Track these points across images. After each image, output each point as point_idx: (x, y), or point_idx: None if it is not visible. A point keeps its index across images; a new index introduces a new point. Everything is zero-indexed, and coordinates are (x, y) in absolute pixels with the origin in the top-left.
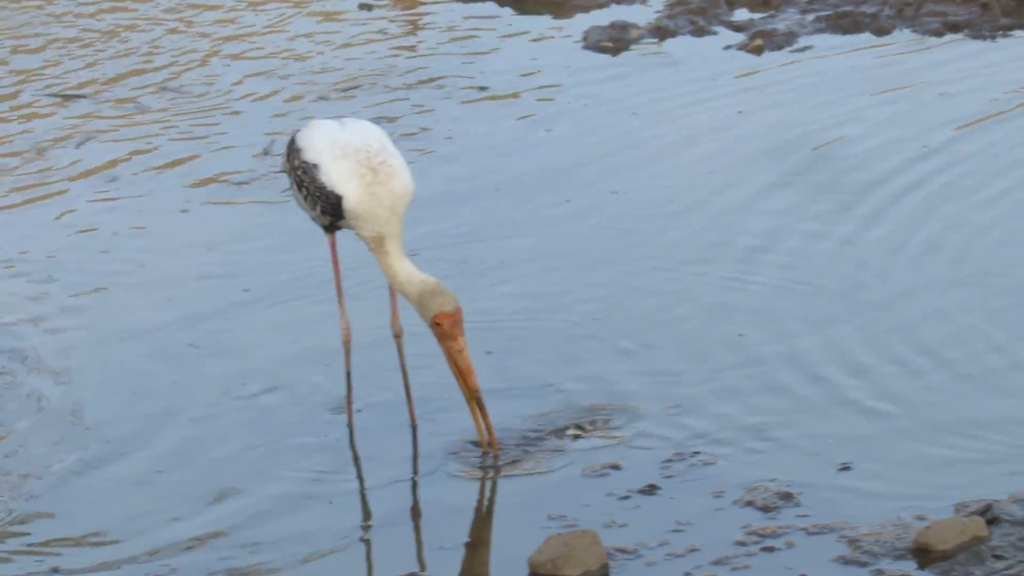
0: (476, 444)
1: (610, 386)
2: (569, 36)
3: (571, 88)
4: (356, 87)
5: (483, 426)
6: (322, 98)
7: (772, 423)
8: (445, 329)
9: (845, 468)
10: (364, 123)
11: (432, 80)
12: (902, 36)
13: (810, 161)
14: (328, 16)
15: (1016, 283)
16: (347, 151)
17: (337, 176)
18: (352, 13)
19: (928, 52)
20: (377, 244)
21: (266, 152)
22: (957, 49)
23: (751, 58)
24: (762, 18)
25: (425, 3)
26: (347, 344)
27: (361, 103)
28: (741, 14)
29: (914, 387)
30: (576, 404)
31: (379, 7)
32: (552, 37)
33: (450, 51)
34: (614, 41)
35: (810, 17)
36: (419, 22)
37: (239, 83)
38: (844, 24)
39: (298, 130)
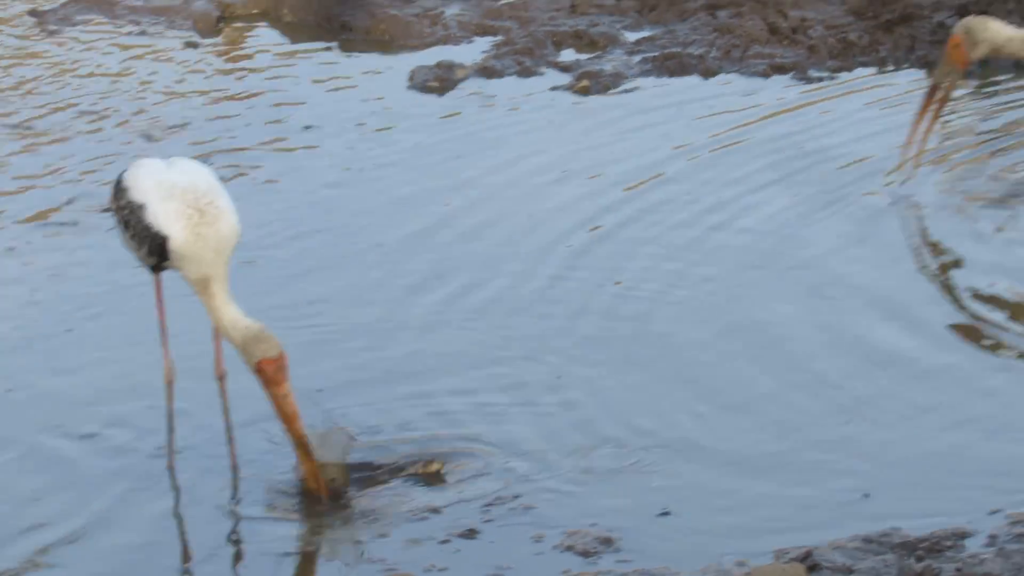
0: (302, 488)
1: (432, 427)
2: (396, 75)
3: (397, 127)
4: (183, 126)
5: (310, 472)
6: (149, 137)
7: (593, 467)
8: (269, 375)
9: (665, 513)
10: (191, 163)
11: (259, 118)
12: (729, 78)
13: (625, 199)
14: (155, 55)
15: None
16: (174, 191)
17: (163, 217)
18: (178, 52)
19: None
20: (203, 286)
21: (70, 201)
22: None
23: (577, 98)
24: (588, 59)
25: (252, 42)
26: (170, 384)
27: (188, 142)
28: (568, 55)
29: (730, 433)
30: (399, 445)
31: (205, 45)
32: (379, 76)
33: (277, 90)
34: (440, 81)
35: (636, 58)
36: (246, 60)
37: (63, 121)
38: (671, 66)
39: (125, 170)
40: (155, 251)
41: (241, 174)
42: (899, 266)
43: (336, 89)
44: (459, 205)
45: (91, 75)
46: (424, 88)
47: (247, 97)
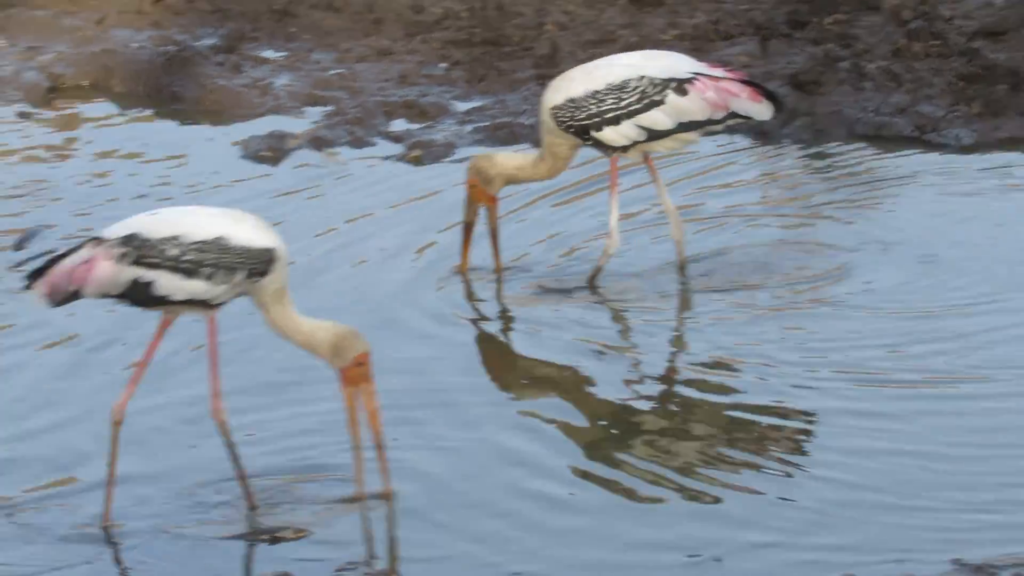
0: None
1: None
2: (228, 145)
3: (230, 197)
4: (15, 196)
5: (383, 469)
6: None
7: (444, 528)
8: (366, 369)
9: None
10: None
11: (90, 188)
12: None
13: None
14: None
15: None
16: None
17: None
18: (9, 122)
19: None
20: None
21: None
22: None
23: (410, 168)
24: (420, 128)
25: (83, 112)
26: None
27: (19, 211)
28: (399, 124)
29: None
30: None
31: (36, 116)
32: (211, 146)
33: (110, 160)
34: (272, 150)
35: (468, 128)
36: (77, 131)
37: None
38: (502, 135)
39: None
40: None
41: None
42: None
43: (168, 159)
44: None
45: None
46: (256, 157)
47: (80, 167)
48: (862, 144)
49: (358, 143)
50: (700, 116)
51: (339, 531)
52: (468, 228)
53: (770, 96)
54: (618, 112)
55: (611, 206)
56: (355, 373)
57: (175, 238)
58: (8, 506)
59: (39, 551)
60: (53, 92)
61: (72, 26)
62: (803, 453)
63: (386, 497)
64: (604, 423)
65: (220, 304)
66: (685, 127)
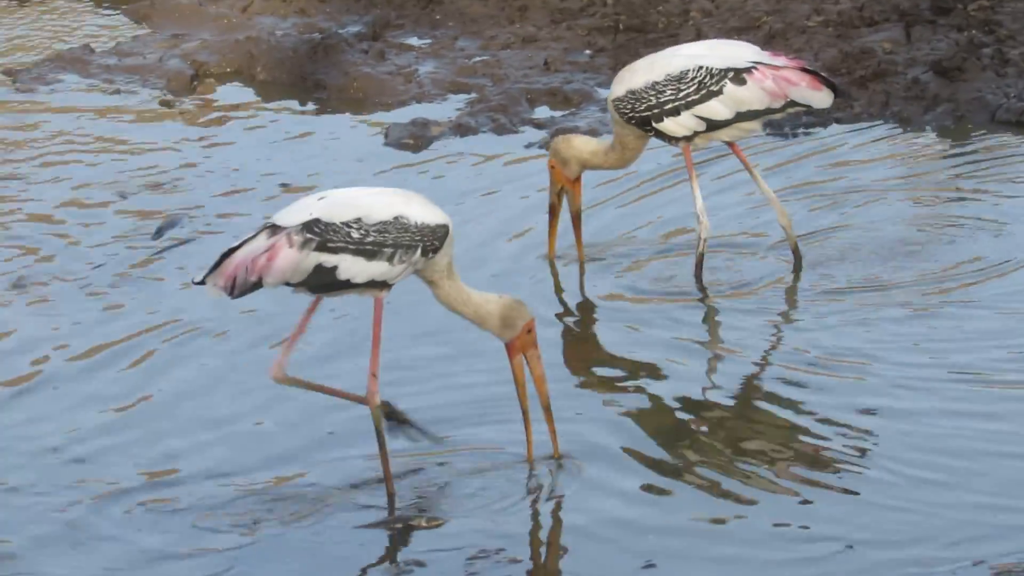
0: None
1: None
2: (371, 133)
3: (372, 184)
4: (159, 184)
5: (551, 431)
6: (123, 195)
7: (575, 517)
8: (534, 336)
9: (650, 566)
10: None
11: (235, 175)
12: None
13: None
14: (129, 113)
15: None
16: None
17: None
18: (153, 109)
19: None
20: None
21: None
22: None
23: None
24: (563, 116)
25: (226, 100)
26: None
27: (163, 199)
28: (542, 112)
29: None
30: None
31: (180, 103)
32: (354, 133)
33: (252, 147)
34: (415, 138)
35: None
36: (221, 119)
37: (40, 186)
38: None
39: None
40: None
41: (217, 231)
42: None
43: (312, 147)
44: None
45: (64, 132)
46: (399, 145)
47: (222, 154)
48: (1004, 131)
49: (500, 130)
50: (759, 105)
51: (471, 520)
52: (552, 211)
53: (830, 84)
54: (677, 103)
55: (694, 192)
56: (523, 341)
57: (357, 221)
58: (173, 504)
59: (176, 540)
60: (196, 80)
61: (216, 14)
62: (903, 456)
63: (555, 459)
64: (700, 420)
65: (392, 285)
66: (744, 116)
